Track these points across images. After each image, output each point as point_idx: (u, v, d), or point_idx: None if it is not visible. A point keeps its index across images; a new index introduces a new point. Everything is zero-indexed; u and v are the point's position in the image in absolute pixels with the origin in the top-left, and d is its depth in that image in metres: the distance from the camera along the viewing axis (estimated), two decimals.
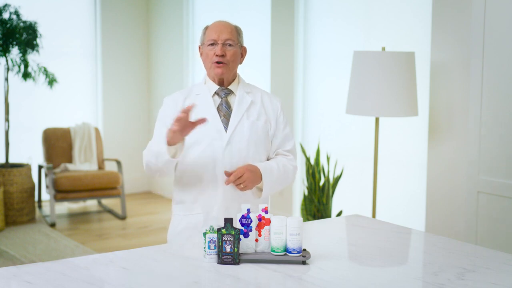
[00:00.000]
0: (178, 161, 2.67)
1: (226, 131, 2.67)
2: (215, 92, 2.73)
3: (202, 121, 2.48)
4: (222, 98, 2.72)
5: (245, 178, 2.59)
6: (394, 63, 4.14)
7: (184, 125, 2.46)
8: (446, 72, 4.38)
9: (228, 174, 2.60)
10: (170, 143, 2.52)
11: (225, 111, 2.71)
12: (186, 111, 2.43)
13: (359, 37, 5.32)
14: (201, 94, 2.73)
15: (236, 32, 2.72)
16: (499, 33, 3.90)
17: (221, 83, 2.73)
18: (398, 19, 4.98)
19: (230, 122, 2.68)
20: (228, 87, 2.74)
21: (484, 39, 3.97)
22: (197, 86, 2.80)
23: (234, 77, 2.77)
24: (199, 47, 2.76)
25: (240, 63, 2.77)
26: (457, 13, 4.28)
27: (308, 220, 4.83)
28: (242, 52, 2.76)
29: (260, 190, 2.72)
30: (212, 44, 2.68)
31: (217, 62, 2.66)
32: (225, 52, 2.66)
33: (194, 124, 2.48)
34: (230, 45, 2.67)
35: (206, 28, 2.74)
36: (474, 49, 4.03)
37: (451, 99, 4.36)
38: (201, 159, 2.66)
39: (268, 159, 2.79)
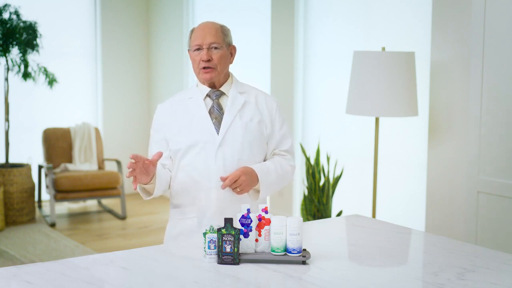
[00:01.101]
0: (175, 164, 2.68)
1: (218, 133, 2.64)
2: (206, 95, 2.70)
3: (158, 155, 2.44)
4: (213, 100, 2.69)
5: (241, 181, 2.57)
6: (394, 63, 4.14)
7: (141, 169, 2.42)
8: (446, 72, 4.38)
9: (223, 179, 2.57)
10: (143, 183, 2.52)
11: (216, 114, 2.67)
12: (135, 158, 2.37)
13: (359, 37, 5.32)
14: (193, 97, 2.71)
15: (222, 32, 2.66)
16: (499, 33, 3.90)
17: (212, 85, 2.70)
18: (398, 19, 4.98)
19: (222, 124, 2.65)
20: (220, 89, 2.71)
21: (484, 39, 3.96)
22: (189, 90, 2.78)
23: (226, 77, 2.73)
24: (188, 51, 2.72)
25: (231, 62, 2.72)
26: (457, 13, 4.28)
27: (308, 220, 4.83)
28: (231, 51, 2.72)
29: (257, 191, 2.69)
30: (198, 49, 2.64)
31: (204, 68, 2.63)
32: (211, 56, 2.62)
33: (151, 163, 2.44)
34: (216, 48, 2.63)
35: (192, 31, 2.70)
36: (474, 49, 4.03)
37: (451, 99, 4.36)
38: (195, 163, 2.64)
39: (265, 160, 2.76)
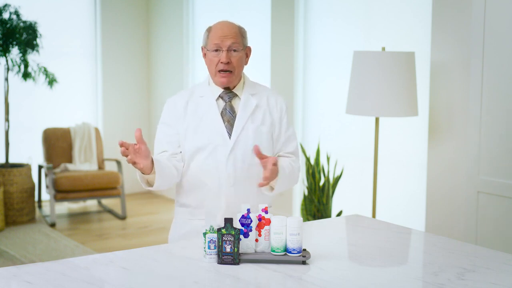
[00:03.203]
0: (184, 166, 2.63)
1: (230, 137, 2.61)
2: (219, 96, 2.65)
3: (139, 131, 2.35)
4: (226, 102, 2.65)
5: (275, 171, 2.50)
6: (394, 63, 4.14)
7: (134, 153, 2.35)
8: (446, 72, 4.38)
9: (259, 154, 2.46)
10: (144, 172, 2.43)
11: (229, 116, 2.63)
12: (124, 145, 2.31)
13: (359, 37, 5.32)
14: (204, 96, 2.66)
15: (241, 35, 2.62)
16: (499, 33, 3.90)
17: (225, 86, 2.65)
18: (398, 19, 4.98)
19: (234, 128, 2.62)
20: (233, 90, 2.66)
21: (484, 39, 3.96)
22: (200, 87, 2.72)
23: (239, 79, 2.68)
24: (202, 48, 2.66)
25: (246, 64, 2.68)
26: (457, 13, 4.28)
27: (308, 220, 4.83)
28: (247, 52, 2.68)
29: (271, 188, 2.62)
30: (216, 50, 2.59)
31: (223, 71, 2.58)
32: (230, 59, 2.58)
33: (140, 145, 2.36)
34: (235, 50, 2.59)
35: (210, 30, 2.63)
36: (474, 49, 4.03)
37: (451, 99, 4.36)
38: (205, 165, 2.60)
39: None
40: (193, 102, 2.66)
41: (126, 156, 2.33)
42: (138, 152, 2.36)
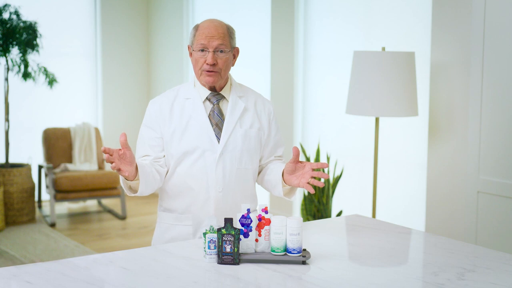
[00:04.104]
0: (168, 170, 2.58)
1: (218, 141, 2.56)
2: (206, 98, 2.59)
3: (124, 136, 2.30)
4: (214, 105, 2.59)
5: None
6: (394, 63, 4.14)
7: (119, 159, 2.31)
8: (446, 72, 4.38)
9: (296, 152, 2.45)
10: (128, 178, 2.37)
11: (217, 119, 2.57)
12: (108, 151, 2.25)
13: (359, 37, 5.32)
14: (190, 98, 2.59)
15: (228, 35, 2.54)
16: (499, 33, 3.90)
17: (212, 88, 2.59)
18: (398, 19, 4.98)
19: (222, 132, 2.56)
20: (220, 92, 2.60)
21: (484, 39, 3.97)
22: (185, 88, 2.64)
23: (226, 80, 2.62)
24: (189, 47, 2.60)
25: (232, 65, 2.61)
26: (457, 13, 4.28)
27: (308, 220, 4.83)
28: (234, 53, 2.61)
29: (293, 190, 2.64)
30: (202, 50, 2.52)
31: (208, 71, 2.52)
32: (217, 60, 2.51)
33: (124, 151, 2.31)
34: (221, 51, 2.51)
35: (196, 28, 2.55)
36: (474, 49, 4.03)
37: (451, 99, 4.36)
38: (193, 170, 2.55)
39: (260, 165, 2.71)
40: (178, 104, 2.59)
41: (111, 162, 2.29)
42: (122, 158, 2.32)
